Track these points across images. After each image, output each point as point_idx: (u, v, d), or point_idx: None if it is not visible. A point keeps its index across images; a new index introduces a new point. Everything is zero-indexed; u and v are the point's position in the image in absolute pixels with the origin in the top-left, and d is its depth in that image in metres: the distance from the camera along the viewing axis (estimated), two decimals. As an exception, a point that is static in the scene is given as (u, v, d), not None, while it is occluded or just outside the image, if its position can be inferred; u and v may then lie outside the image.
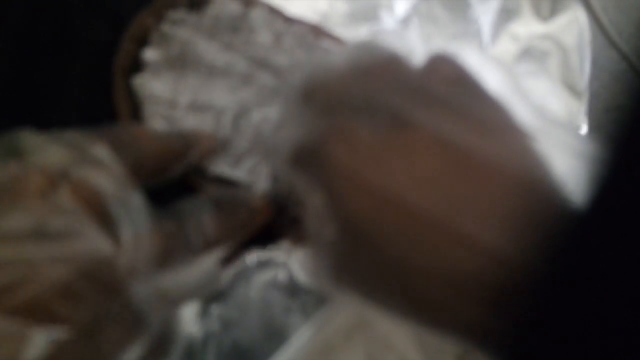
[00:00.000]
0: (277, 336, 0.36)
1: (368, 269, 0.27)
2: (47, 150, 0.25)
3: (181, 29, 0.41)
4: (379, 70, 0.29)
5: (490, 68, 0.28)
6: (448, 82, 0.27)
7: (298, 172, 0.29)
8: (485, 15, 0.49)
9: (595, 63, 0.51)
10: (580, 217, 0.22)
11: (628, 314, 0.19)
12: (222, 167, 0.38)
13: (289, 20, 0.43)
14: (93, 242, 0.23)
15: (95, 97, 0.41)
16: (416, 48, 0.30)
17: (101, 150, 0.26)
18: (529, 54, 0.49)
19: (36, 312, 0.21)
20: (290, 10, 0.43)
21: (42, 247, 0.22)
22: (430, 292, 0.25)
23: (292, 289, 0.39)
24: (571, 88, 0.49)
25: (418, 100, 0.27)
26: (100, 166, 0.25)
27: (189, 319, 0.39)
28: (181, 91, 0.40)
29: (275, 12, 0.43)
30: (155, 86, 0.40)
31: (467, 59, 0.28)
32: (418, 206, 0.25)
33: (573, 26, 0.50)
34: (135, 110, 0.39)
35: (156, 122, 0.39)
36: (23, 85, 0.42)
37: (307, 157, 0.28)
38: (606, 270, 0.19)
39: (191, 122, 0.40)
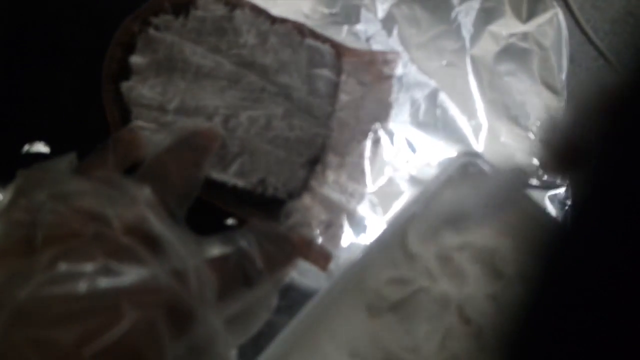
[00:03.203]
0: (264, 334, 0.37)
1: None
2: (91, 194, 0.25)
3: (167, 33, 0.41)
4: None
5: None
6: None
7: None
8: (466, 15, 0.50)
9: (572, 60, 0.52)
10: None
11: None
12: (210, 170, 0.39)
13: (274, 20, 0.43)
14: (161, 276, 0.23)
15: (85, 103, 0.41)
16: None
17: (141, 190, 0.26)
18: (509, 53, 0.50)
19: (124, 353, 0.21)
20: (272, 11, 0.44)
21: (115, 282, 0.22)
22: None
23: (281, 287, 0.39)
24: (550, 85, 0.50)
25: None
26: (144, 205, 0.26)
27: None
28: (170, 95, 0.40)
29: (259, 12, 0.43)
30: (143, 91, 0.40)
31: None
32: None
33: (551, 25, 0.51)
34: (125, 116, 0.40)
35: (146, 126, 0.40)
36: (12, 92, 0.42)
37: None
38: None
39: (183, 125, 0.40)
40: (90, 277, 0.22)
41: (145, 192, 0.26)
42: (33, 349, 0.21)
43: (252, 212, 0.39)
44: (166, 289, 0.23)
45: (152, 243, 0.25)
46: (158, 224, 0.25)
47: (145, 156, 0.37)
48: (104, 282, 0.22)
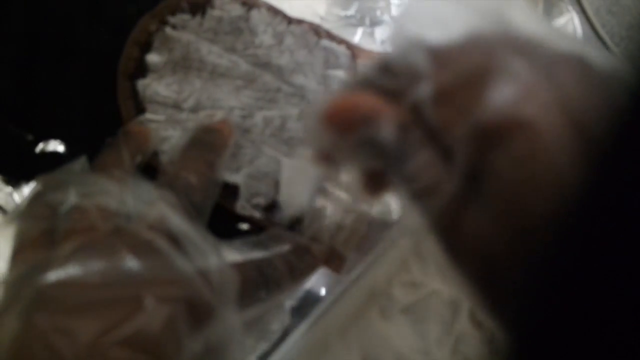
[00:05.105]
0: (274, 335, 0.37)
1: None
2: (113, 192, 0.26)
3: (183, 32, 0.41)
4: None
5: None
6: None
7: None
8: (480, 19, 0.50)
9: (588, 65, 0.52)
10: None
11: None
12: (224, 172, 0.39)
13: (290, 20, 0.43)
14: (182, 271, 0.24)
15: (99, 101, 0.41)
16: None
17: (163, 193, 0.27)
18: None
19: (143, 343, 0.22)
20: (288, 12, 0.44)
21: (136, 274, 0.23)
22: None
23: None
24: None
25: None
26: (165, 204, 0.26)
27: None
28: (185, 94, 0.40)
29: (276, 12, 0.43)
30: (159, 89, 0.40)
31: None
32: None
33: (567, 30, 0.51)
34: (140, 113, 0.40)
35: (155, 119, 0.40)
36: (27, 91, 0.42)
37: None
38: None
39: (197, 120, 0.40)
40: (112, 268, 0.23)
41: (165, 192, 0.27)
42: (56, 336, 0.21)
43: (266, 217, 0.39)
44: (187, 284, 0.24)
45: (174, 240, 0.25)
46: (179, 222, 0.25)
47: (154, 149, 0.37)
48: (125, 273, 0.23)
